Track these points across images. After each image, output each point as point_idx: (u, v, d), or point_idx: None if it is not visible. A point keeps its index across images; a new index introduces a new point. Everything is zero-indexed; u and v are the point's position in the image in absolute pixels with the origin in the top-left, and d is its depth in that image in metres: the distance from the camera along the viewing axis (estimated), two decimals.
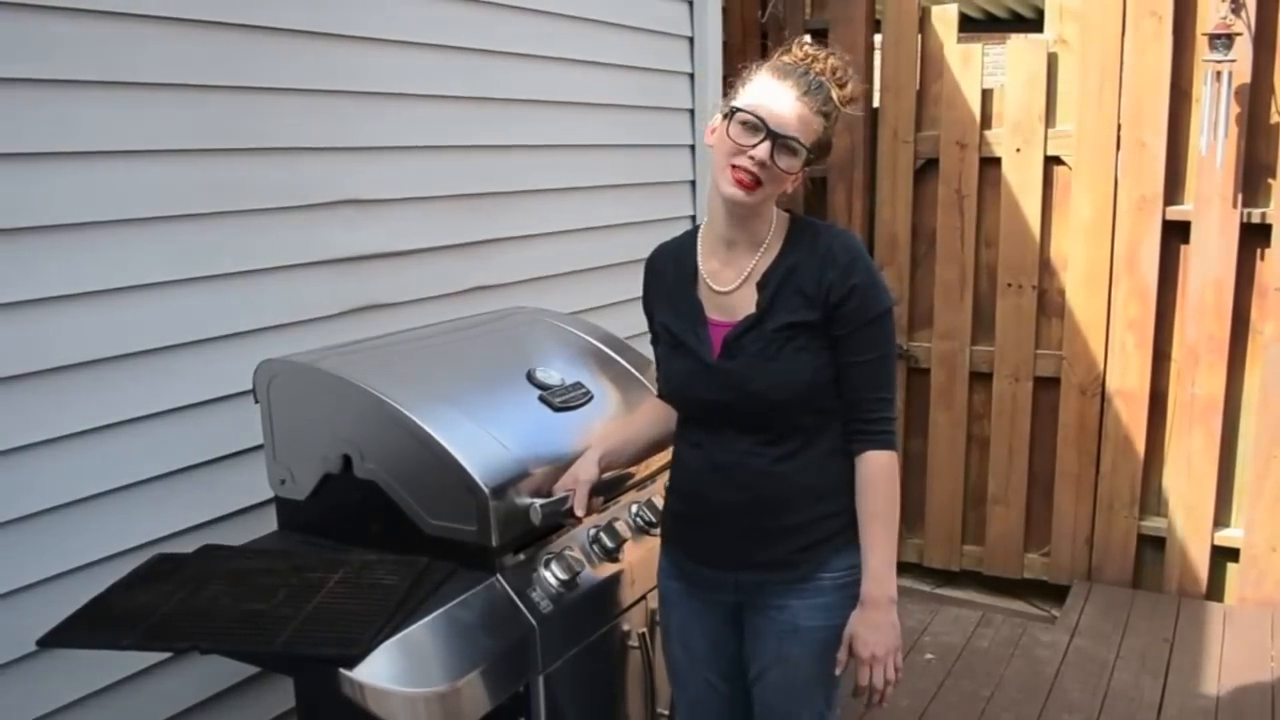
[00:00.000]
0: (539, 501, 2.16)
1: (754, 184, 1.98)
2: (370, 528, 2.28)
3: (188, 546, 2.37)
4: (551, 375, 2.50)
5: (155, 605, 2.02)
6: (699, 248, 2.18)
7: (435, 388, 2.32)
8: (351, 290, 2.92)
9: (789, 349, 2.05)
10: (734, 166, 1.98)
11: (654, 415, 2.36)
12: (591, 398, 2.52)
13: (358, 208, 2.92)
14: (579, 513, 2.22)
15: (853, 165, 4.83)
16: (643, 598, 2.46)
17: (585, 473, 2.24)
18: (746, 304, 2.09)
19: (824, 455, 2.11)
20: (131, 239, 2.37)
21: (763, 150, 1.95)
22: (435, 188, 3.20)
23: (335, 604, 1.99)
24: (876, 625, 2.07)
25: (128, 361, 2.38)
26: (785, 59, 2.04)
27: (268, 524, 2.50)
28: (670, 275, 2.23)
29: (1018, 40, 4.57)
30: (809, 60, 2.02)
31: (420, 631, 1.95)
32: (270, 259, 2.69)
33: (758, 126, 1.96)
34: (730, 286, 2.11)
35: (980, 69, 4.57)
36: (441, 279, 3.24)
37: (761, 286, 2.08)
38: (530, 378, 2.47)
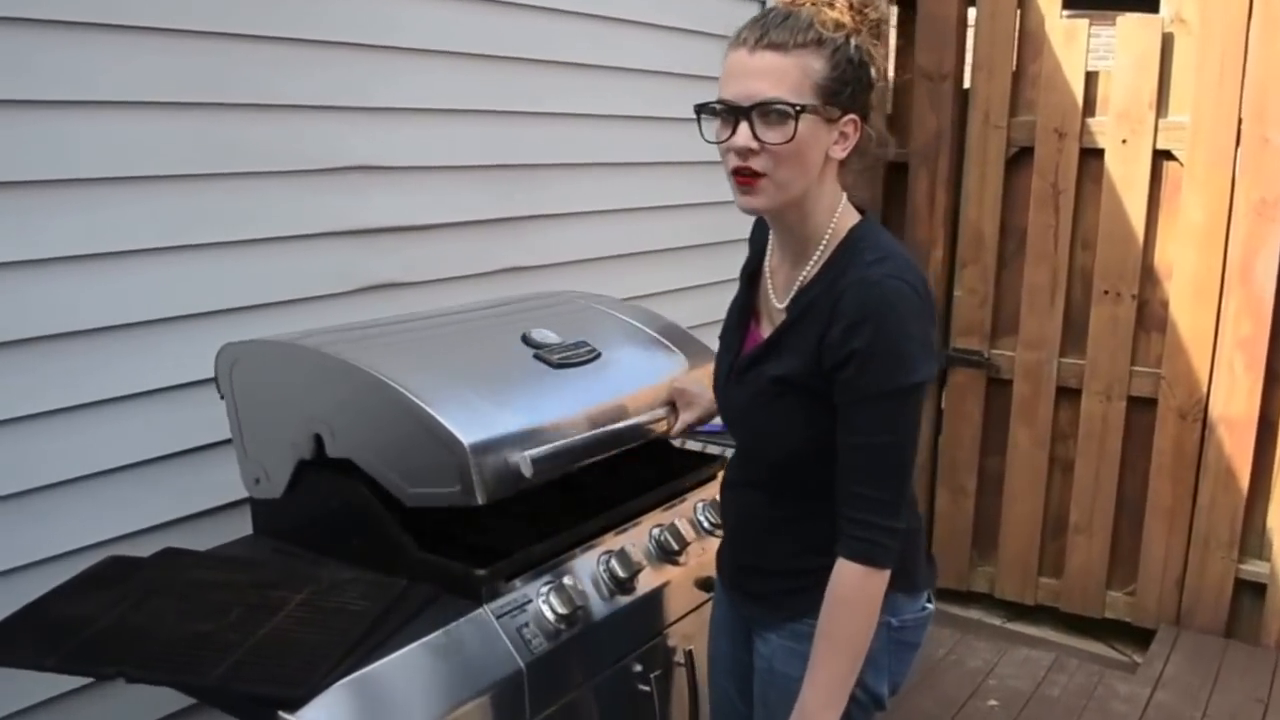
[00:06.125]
0: (530, 453, 1.99)
1: (752, 178, 1.71)
2: (351, 540, 2.12)
3: (155, 546, 2.24)
4: (549, 336, 2.35)
5: (93, 617, 1.89)
6: (771, 238, 1.95)
7: (416, 357, 2.18)
8: (361, 266, 2.78)
9: (781, 406, 1.80)
10: (733, 171, 1.73)
11: None
12: (598, 355, 2.34)
13: (369, 175, 2.78)
14: (677, 425, 2.27)
15: (938, 151, 4.59)
16: (659, 635, 2.27)
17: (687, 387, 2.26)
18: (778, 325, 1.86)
19: (823, 515, 1.79)
20: (107, 200, 2.24)
21: (741, 136, 1.68)
22: (461, 156, 3.05)
23: (291, 631, 1.82)
24: None
25: (95, 337, 2.26)
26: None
27: (244, 525, 2.34)
28: (753, 254, 2.00)
29: (1129, 19, 4.28)
30: None
31: (383, 671, 1.77)
32: (268, 228, 2.56)
33: (722, 111, 1.71)
34: (780, 300, 1.86)
35: (1085, 49, 4.29)
36: (467, 258, 3.09)
37: (789, 311, 1.82)
38: (525, 339, 2.32)
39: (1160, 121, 4.19)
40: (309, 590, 1.94)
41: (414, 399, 1.95)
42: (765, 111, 1.66)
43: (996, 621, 4.73)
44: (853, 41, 1.69)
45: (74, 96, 2.16)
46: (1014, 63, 4.45)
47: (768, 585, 1.94)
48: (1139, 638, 4.45)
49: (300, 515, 2.20)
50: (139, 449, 2.35)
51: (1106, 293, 4.34)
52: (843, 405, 1.72)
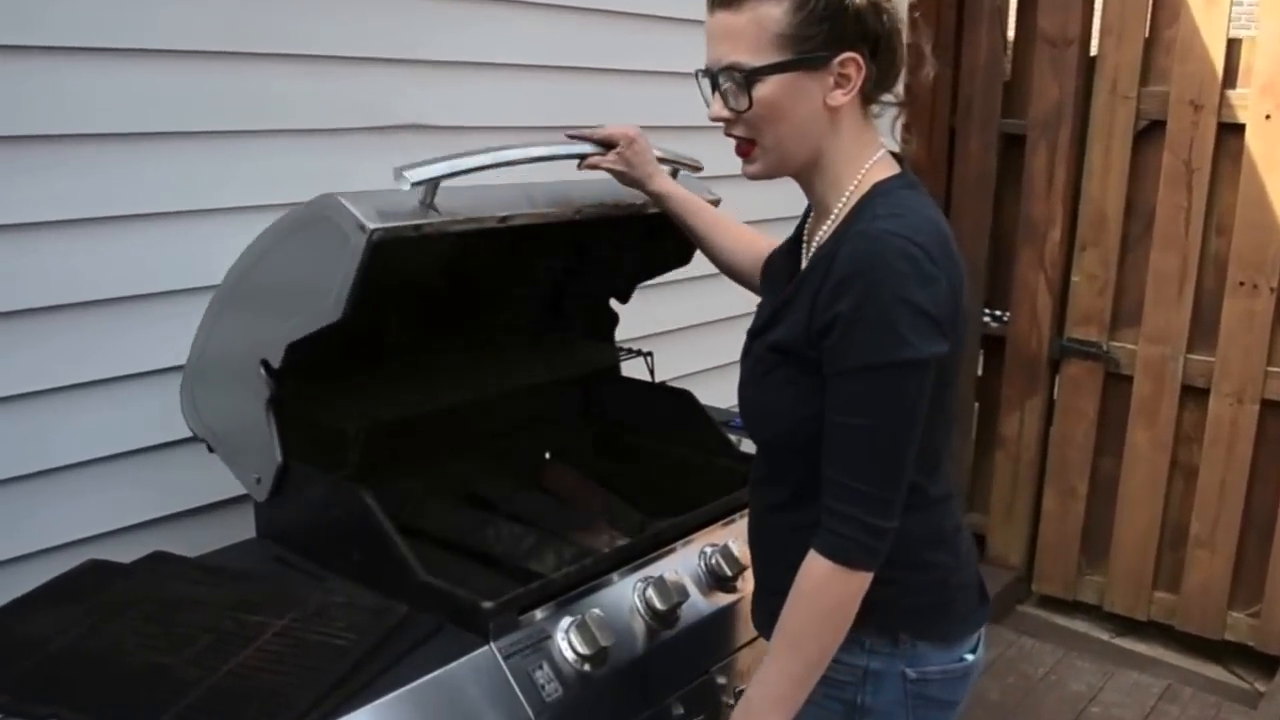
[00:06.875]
0: (407, 169, 1.73)
1: (747, 146, 1.59)
2: (354, 554, 1.86)
3: (150, 542, 2.06)
4: None
5: (47, 639, 1.67)
6: None
7: None
8: None
9: (774, 379, 1.59)
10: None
11: (740, 235, 2.05)
12: None
13: (420, 135, 2.53)
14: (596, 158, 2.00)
15: (1059, 123, 4.22)
16: (706, 673, 1.98)
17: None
18: None
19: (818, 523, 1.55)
20: (115, 158, 2.05)
21: (714, 106, 1.58)
22: (528, 116, 2.79)
23: (260, 668, 1.57)
24: None
25: (97, 310, 2.07)
26: None
27: (248, 524, 2.12)
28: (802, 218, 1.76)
29: None
30: None
31: None
32: (301, 192, 2.23)
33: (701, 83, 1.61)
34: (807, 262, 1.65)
35: (1227, 13, 3.90)
36: None
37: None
38: None
39: None
40: (290, 617, 1.68)
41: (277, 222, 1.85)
42: (730, 77, 1.53)
43: (1104, 636, 4.37)
44: None
45: (86, 44, 1.96)
46: (1146, 28, 4.07)
47: (776, 606, 1.65)
48: (1262, 664, 4.07)
49: (303, 522, 1.97)
50: (133, 436, 2.15)
51: (1242, 284, 3.95)
52: (827, 378, 1.51)
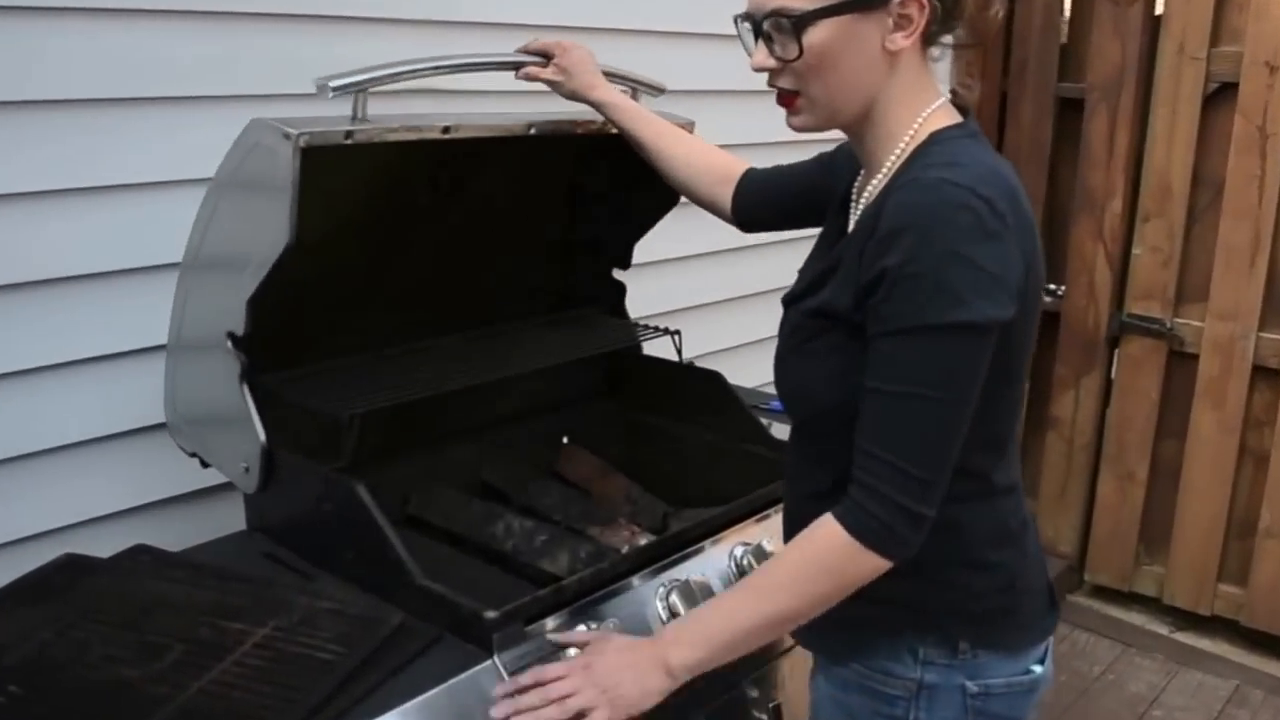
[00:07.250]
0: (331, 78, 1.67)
1: (790, 98, 1.44)
2: (347, 553, 1.72)
3: (131, 530, 1.98)
4: None
5: (6, 647, 1.52)
6: None
7: None
8: None
9: (816, 346, 1.45)
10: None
11: (697, 147, 1.97)
12: None
13: (445, 102, 2.36)
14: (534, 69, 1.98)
15: (1120, 86, 4.03)
16: (735, 687, 1.83)
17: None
18: None
19: None
20: (88, 125, 1.92)
21: (757, 55, 1.43)
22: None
23: (235, 685, 1.42)
24: (624, 663, 1.44)
25: (76, 286, 1.95)
26: None
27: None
28: (845, 180, 1.61)
29: None
30: None
31: None
32: None
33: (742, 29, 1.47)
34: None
35: None
36: None
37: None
38: None
39: None
40: (273, 625, 1.54)
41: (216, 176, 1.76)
42: (775, 24, 1.39)
43: (1162, 630, 4.17)
44: None
45: (55, 3, 1.83)
46: None
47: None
48: None
49: (294, 516, 1.83)
50: (117, 419, 2.03)
51: None
52: (870, 339, 1.36)
